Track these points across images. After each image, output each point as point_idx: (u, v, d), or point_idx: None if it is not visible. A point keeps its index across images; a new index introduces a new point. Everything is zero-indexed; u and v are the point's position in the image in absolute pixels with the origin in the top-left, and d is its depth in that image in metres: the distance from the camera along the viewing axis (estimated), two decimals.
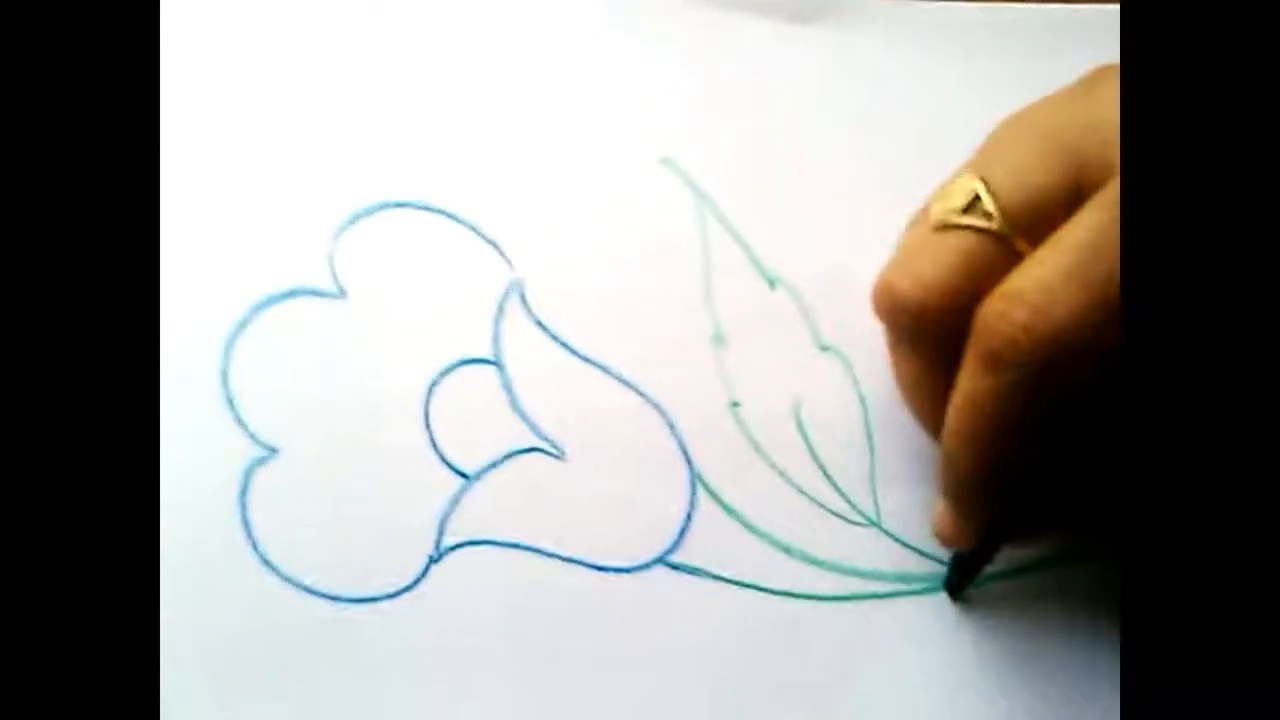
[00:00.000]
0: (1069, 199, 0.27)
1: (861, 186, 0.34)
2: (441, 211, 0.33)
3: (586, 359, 0.32)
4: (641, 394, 0.32)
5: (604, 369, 0.32)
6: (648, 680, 0.31)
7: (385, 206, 0.32)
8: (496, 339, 0.32)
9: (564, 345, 0.32)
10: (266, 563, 0.30)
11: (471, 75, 0.33)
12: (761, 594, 0.32)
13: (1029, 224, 0.27)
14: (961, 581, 0.32)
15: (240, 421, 0.31)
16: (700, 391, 0.32)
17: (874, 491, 0.33)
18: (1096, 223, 0.26)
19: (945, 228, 0.28)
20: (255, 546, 0.30)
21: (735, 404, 0.33)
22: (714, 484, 0.32)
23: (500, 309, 0.32)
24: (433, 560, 0.31)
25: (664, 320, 0.33)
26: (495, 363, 0.32)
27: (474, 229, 0.33)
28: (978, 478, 0.28)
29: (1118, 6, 0.35)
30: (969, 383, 0.27)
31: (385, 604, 0.30)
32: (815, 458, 0.33)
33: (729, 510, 0.32)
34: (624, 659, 0.31)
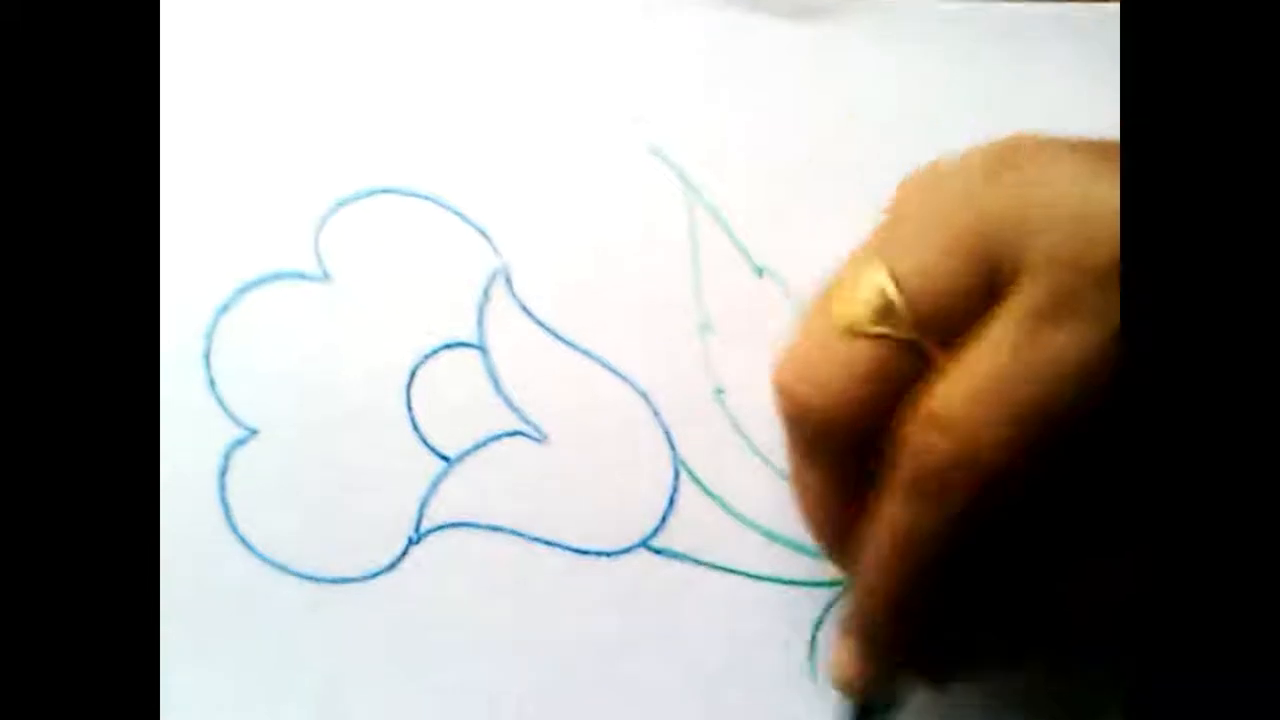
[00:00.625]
0: (981, 299, 0.25)
1: (850, 179, 0.34)
2: (428, 198, 0.33)
3: (571, 345, 0.32)
4: (626, 380, 0.32)
5: (589, 355, 0.32)
6: (628, 664, 0.30)
7: (373, 192, 0.33)
8: (481, 324, 0.32)
9: (549, 331, 0.32)
10: (245, 543, 0.30)
11: (462, 63, 0.33)
12: (744, 579, 0.31)
13: (939, 326, 0.25)
14: None
15: (221, 402, 0.31)
16: (685, 378, 0.32)
17: None
18: (1013, 339, 0.24)
19: (853, 333, 0.26)
20: (234, 527, 0.30)
21: (720, 391, 0.32)
22: (697, 470, 0.32)
23: (486, 295, 0.32)
24: (412, 542, 0.30)
25: (650, 308, 0.32)
26: (479, 347, 0.32)
27: (461, 215, 0.33)
28: (901, 615, 0.26)
29: (1112, 5, 0.34)
30: (894, 514, 0.25)
31: (364, 585, 0.30)
32: None
33: (712, 496, 0.32)
34: (604, 642, 0.30)
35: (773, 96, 0.34)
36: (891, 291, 0.25)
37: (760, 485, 0.32)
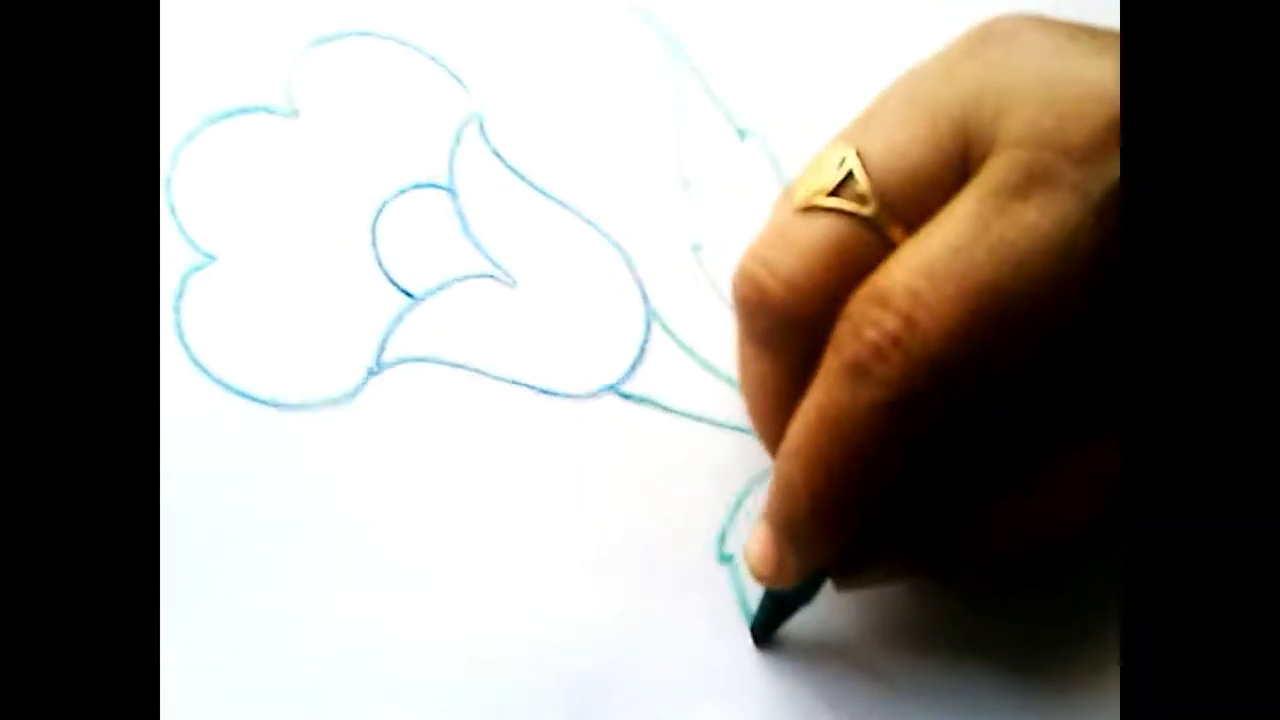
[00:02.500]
0: (952, 180, 0.23)
1: (835, 42, 0.33)
2: (405, 42, 0.32)
3: (544, 193, 0.31)
4: (600, 231, 0.31)
5: (561, 203, 0.31)
6: (589, 506, 0.29)
7: (350, 35, 0.32)
8: (452, 167, 0.31)
9: (522, 178, 0.31)
10: (198, 364, 0.29)
11: None
12: (713, 427, 0.30)
13: (906, 209, 0.23)
14: (771, 625, 0.28)
15: (180, 228, 0.30)
16: (661, 232, 0.31)
17: None
18: (974, 212, 0.22)
19: (811, 209, 0.24)
20: (188, 350, 0.29)
21: (697, 247, 0.32)
22: (669, 321, 0.31)
23: (457, 139, 0.31)
24: (372, 373, 0.29)
25: (628, 162, 0.32)
26: (449, 189, 0.31)
27: (437, 60, 0.32)
28: (818, 507, 0.24)
29: None
30: (824, 395, 0.24)
31: (321, 413, 0.29)
32: None
33: (684, 347, 0.31)
34: (567, 484, 0.29)
35: None
36: (851, 161, 0.24)
37: (733, 339, 0.31)
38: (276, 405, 0.29)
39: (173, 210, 0.30)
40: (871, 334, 0.23)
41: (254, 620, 0.28)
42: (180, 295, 0.29)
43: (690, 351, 0.31)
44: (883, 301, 0.23)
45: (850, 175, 0.24)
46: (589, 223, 0.31)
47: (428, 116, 0.31)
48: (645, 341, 0.31)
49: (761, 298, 0.24)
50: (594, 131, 0.32)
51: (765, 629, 0.28)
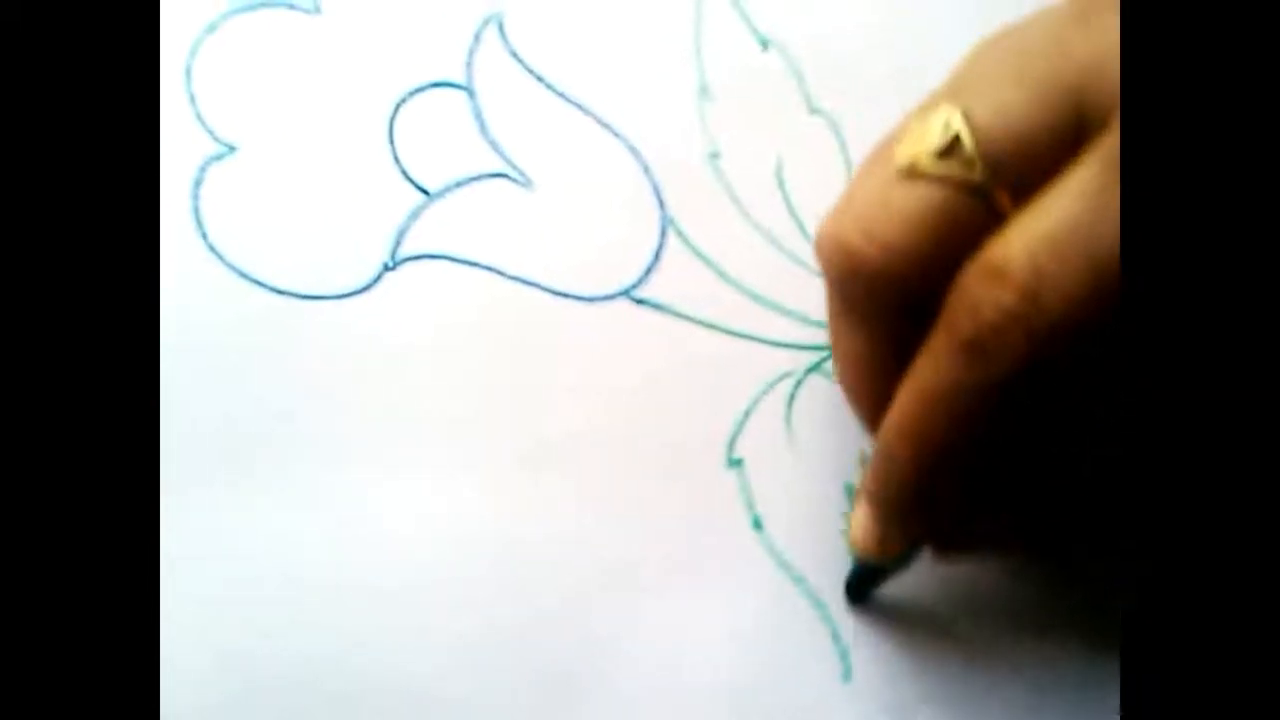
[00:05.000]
0: (1063, 148, 0.22)
1: None
2: None
3: (562, 95, 0.31)
4: (617, 135, 0.31)
5: (579, 106, 0.31)
6: (600, 410, 0.29)
7: None
8: (470, 66, 0.31)
9: (539, 79, 0.31)
10: (215, 251, 0.29)
11: None
12: (725, 335, 0.30)
13: (1014, 176, 0.22)
14: (866, 591, 0.29)
15: (199, 118, 0.30)
16: (679, 139, 0.31)
17: None
18: (1098, 182, 0.21)
19: (914, 174, 0.23)
20: (205, 236, 0.29)
21: (715, 155, 0.31)
22: (685, 229, 0.31)
23: (476, 38, 0.31)
24: (388, 268, 0.30)
25: (648, 68, 0.32)
26: (467, 89, 0.31)
27: None
28: (924, 485, 0.24)
29: None
30: (935, 373, 0.22)
31: (337, 304, 0.29)
32: (794, 214, 0.31)
33: (699, 254, 0.31)
34: (578, 387, 0.29)
35: None
36: (959, 124, 0.23)
37: (748, 249, 0.31)
38: (292, 295, 0.29)
39: (192, 100, 0.30)
40: (990, 312, 0.21)
41: (258, 509, 0.28)
42: (199, 184, 0.29)
43: (705, 259, 0.31)
44: (1001, 276, 0.21)
45: (956, 139, 0.23)
46: (606, 127, 0.31)
47: (447, 15, 0.31)
48: (660, 248, 0.31)
49: (861, 269, 0.23)
50: (614, 35, 0.32)
51: (859, 594, 0.29)
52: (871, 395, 0.25)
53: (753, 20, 0.32)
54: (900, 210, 0.23)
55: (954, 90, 0.23)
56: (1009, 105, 0.22)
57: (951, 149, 0.23)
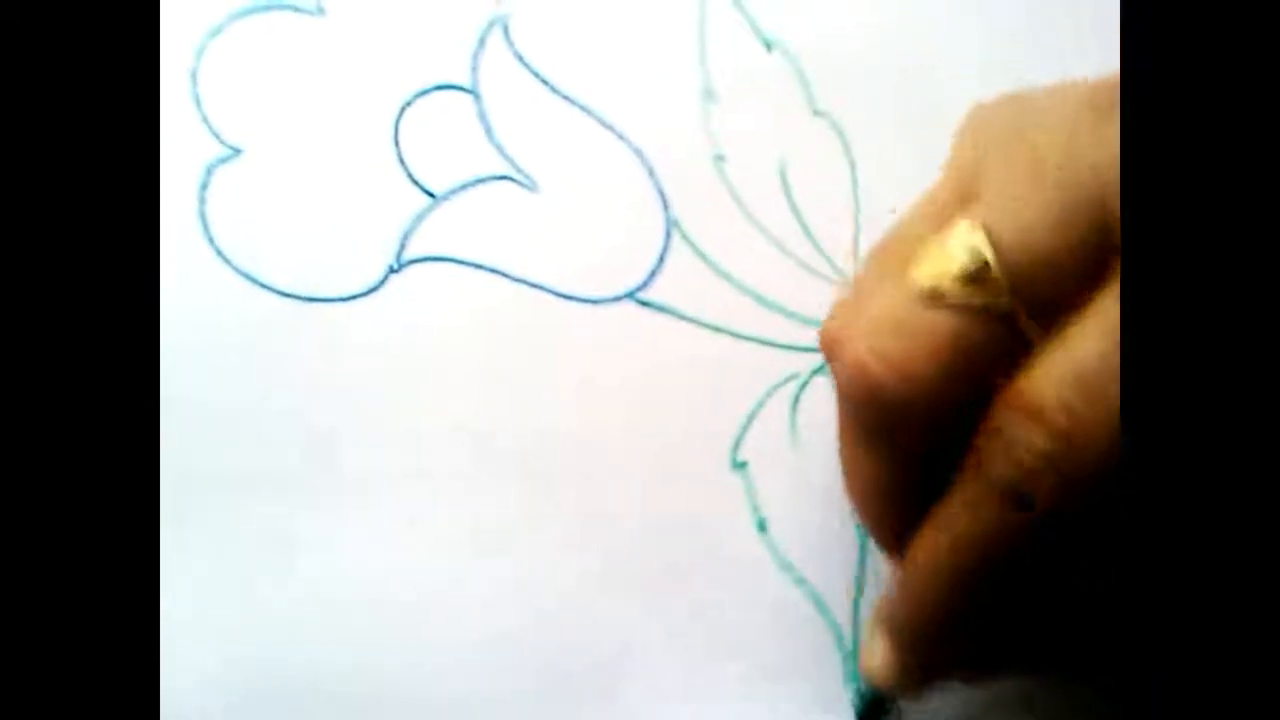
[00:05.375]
0: (1089, 267, 0.21)
1: None
2: None
3: (566, 98, 0.31)
4: (622, 138, 0.31)
5: (584, 109, 0.31)
6: (604, 412, 0.29)
7: None
8: (475, 70, 0.31)
9: (544, 82, 0.31)
10: (220, 254, 0.29)
11: None
12: (729, 337, 0.30)
13: (1039, 298, 0.21)
14: (876, 716, 0.28)
15: (205, 121, 0.30)
16: (684, 141, 0.31)
17: (856, 256, 0.31)
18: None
19: (938, 299, 0.22)
20: (210, 238, 0.29)
21: (720, 157, 0.31)
22: (690, 231, 0.31)
23: (481, 41, 0.31)
24: (393, 270, 0.30)
25: (652, 71, 0.32)
26: (472, 92, 0.31)
27: None
28: (952, 624, 0.23)
29: None
30: (969, 515, 0.22)
31: (342, 306, 0.29)
32: (798, 216, 0.31)
33: (703, 256, 0.31)
34: (583, 389, 0.29)
35: None
36: (987, 252, 0.21)
37: (753, 251, 0.31)
38: (297, 297, 0.29)
39: (198, 102, 0.30)
40: (1023, 455, 0.21)
41: (260, 511, 0.28)
42: (205, 187, 0.29)
43: (710, 261, 0.31)
44: (1035, 417, 0.20)
45: (986, 264, 0.21)
46: (611, 129, 0.31)
47: (452, 18, 0.31)
48: (665, 250, 0.31)
49: (882, 394, 0.22)
50: (618, 38, 0.32)
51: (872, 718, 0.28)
52: (888, 520, 0.24)
53: (756, 23, 0.33)
54: (923, 338, 0.22)
55: (963, 193, 0.23)
56: (1032, 224, 0.21)
57: (977, 273, 0.21)
